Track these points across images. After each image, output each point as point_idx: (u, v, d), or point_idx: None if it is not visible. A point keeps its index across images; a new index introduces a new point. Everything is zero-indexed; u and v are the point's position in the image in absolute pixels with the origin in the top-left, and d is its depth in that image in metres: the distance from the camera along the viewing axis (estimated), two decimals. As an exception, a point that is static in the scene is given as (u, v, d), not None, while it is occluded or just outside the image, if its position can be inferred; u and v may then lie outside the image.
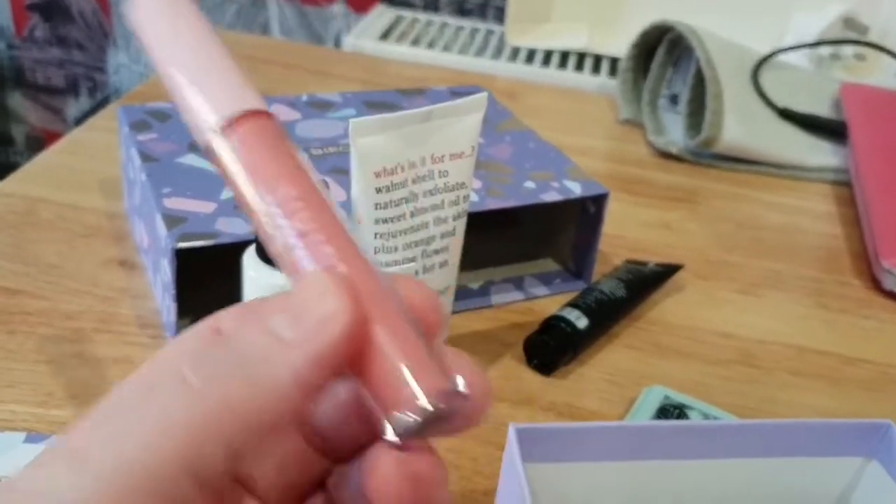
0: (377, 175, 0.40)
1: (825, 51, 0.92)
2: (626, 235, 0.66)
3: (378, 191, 0.40)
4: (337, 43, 1.16)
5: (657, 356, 0.54)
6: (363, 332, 0.19)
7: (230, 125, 0.22)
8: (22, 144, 1.36)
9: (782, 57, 0.86)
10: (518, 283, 0.58)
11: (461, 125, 0.42)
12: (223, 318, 0.20)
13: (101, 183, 0.64)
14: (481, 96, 0.42)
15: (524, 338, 0.52)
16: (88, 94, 1.31)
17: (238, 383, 0.18)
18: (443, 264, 0.44)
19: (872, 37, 0.94)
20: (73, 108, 1.32)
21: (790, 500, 0.40)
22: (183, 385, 0.18)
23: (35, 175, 0.64)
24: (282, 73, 0.86)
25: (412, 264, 0.41)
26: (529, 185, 0.55)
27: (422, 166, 0.41)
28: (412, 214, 0.41)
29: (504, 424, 0.47)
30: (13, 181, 0.63)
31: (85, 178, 0.64)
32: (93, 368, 0.47)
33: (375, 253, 0.41)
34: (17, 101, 1.33)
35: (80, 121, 1.28)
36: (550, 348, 0.50)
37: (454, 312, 0.54)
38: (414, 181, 0.41)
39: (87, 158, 0.67)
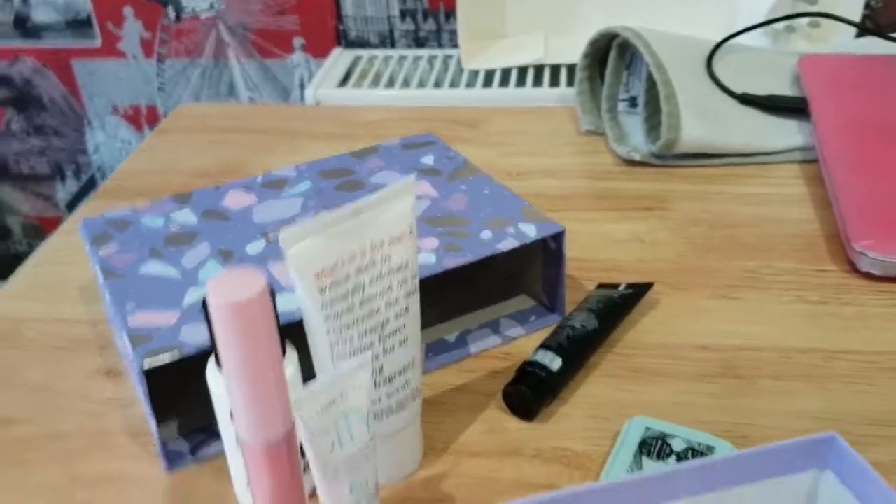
0: (318, 276, 0.41)
1: (780, 25, 0.92)
2: (598, 257, 0.66)
3: (322, 291, 0.41)
4: (302, 88, 1.17)
5: (637, 382, 0.54)
6: None
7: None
8: (19, 234, 1.39)
9: (737, 40, 0.86)
10: (494, 327, 0.58)
11: (394, 211, 0.42)
12: None
13: (82, 290, 0.65)
14: (408, 182, 0.43)
15: (502, 386, 0.53)
16: (74, 177, 1.33)
17: None
18: (402, 342, 0.45)
19: (823, 3, 0.94)
20: (61, 192, 1.35)
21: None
22: None
23: (15, 294, 0.66)
24: (253, 141, 0.87)
25: (369, 351, 0.42)
26: (486, 234, 0.55)
27: (362, 257, 0.42)
28: (361, 304, 0.42)
29: (491, 479, 0.48)
30: (-5, 303, 0.65)
31: (65, 287, 0.66)
32: (90, 490, 0.48)
33: (332, 347, 0.42)
34: (8, 193, 1.35)
35: (70, 203, 1.30)
36: (528, 396, 0.51)
37: (429, 371, 0.55)
38: (357, 272, 0.42)
39: (64, 267, 0.68)
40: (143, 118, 1.23)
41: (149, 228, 0.57)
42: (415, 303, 0.45)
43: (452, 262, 0.53)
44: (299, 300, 0.41)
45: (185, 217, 0.58)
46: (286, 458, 0.36)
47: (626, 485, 0.38)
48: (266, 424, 0.35)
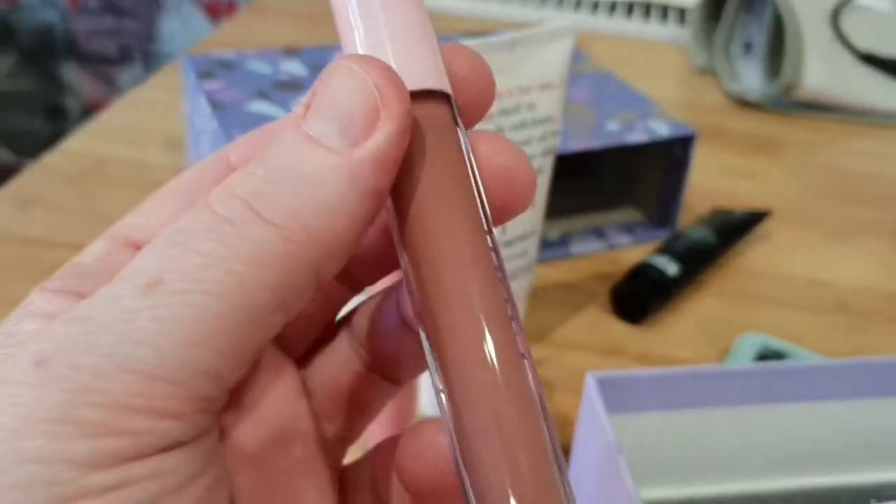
0: (465, 107, 0.38)
1: (908, -8, 0.88)
2: (708, 184, 0.63)
3: (466, 124, 0.38)
4: None
5: (749, 304, 0.51)
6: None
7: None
8: (76, 116, 1.36)
9: (864, 1, 0.82)
10: (599, 233, 0.55)
11: (549, 54, 0.39)
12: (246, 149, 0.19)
13: (165, 139, 0.62)
14: (569, 24, 0.40)
15: (609, 287, 0.50)
16: (141, 63, 1.30)
17: (314, 211, 0.16)
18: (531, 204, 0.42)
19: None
20: (126, 77, 1.32)
21: (884, 441, 0.38)
22: (259, 221, 0.16)
23: (99, 132, 0.63)
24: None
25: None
26: (613, 126, 0.52)
27: (508, 98, 0.39)
28: (500, 150, 0.39)
29: (584, 371, 0.45)
30: (78, 138, 0.62)
31: (148, 134, 0.63)
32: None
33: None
34: (72, 72, 1.33)
35: (133, 91, 1.27)
36: (640, 296, 0.48)
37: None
38: (500, 114, 0.39)
39: (149, 115, 0.66)
40: (223, 8, 1.20)
41: (256, 72, 0.54)
42: (549, 166, 0.42)
43: (579, 145, 0.50)
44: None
45: (294, 68, 0.55)
46: None
47: (751, 373, 0.36)
48: None
